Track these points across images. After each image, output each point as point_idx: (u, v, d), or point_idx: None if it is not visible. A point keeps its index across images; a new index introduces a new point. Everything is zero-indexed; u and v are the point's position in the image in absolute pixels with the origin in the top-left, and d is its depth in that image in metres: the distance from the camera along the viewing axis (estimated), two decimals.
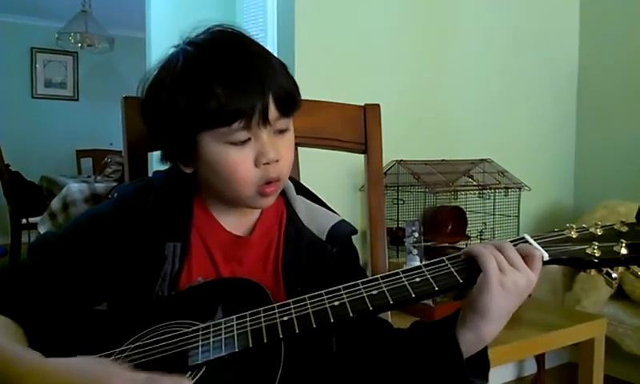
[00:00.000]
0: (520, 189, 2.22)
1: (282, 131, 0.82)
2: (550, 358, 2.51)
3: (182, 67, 0.79)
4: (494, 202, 2.21)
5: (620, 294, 2.30)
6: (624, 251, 0.74)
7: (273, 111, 0.78)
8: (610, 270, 0.75)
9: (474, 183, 2.15)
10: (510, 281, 0.72)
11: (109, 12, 5.00)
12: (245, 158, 0.79)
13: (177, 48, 0.83)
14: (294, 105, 0.83)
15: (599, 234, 0.76)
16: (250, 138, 0.78)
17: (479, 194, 2.17)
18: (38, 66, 6.10)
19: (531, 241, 0.76)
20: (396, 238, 2.08)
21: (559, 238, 0.77)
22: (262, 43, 0.85)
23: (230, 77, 0.76)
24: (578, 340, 1.86)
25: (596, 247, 0.74)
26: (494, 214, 2.22)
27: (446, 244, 2.09)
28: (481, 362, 0.78)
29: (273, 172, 0.80)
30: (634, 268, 0.75)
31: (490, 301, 0.72)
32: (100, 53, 5.25)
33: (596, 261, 0.74)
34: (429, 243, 1.96)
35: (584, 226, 0.78)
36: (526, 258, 0.74)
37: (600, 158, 2.78)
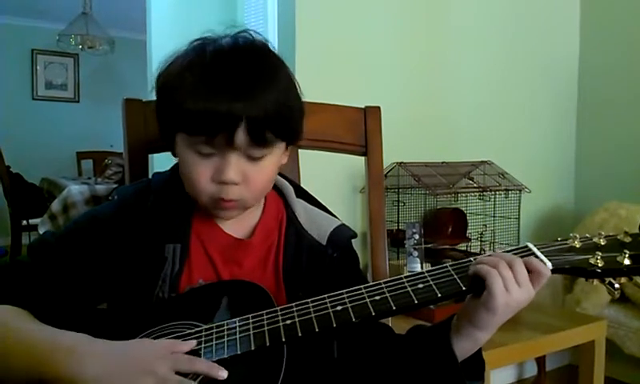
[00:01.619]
0: (520, 191, 2.22)
1: (255, 158, 0.79)
2: (551, 360, 2.51)
3: (177, 69, 0.80)
4: (494, 204, 2.21)
5: (621, 297, 2.27)
6: (627, 262, 0.74)
7: (241, 137, 0.76)
8: (612, 280, 0.74)
9: (475, 185, 2.15)
10: (513, 299, 0.72)
11: (109, 14, 5.00)
12: (204, 170, 0.79)
13: (198, 43, 0.82)
14: (278, 136, 0.79)
15: (602, 243, 0.76)
16: (214, 153, 0.78)
17: (480, 196, 2.17)
18: (38, 67, 6.10)
19: (536, 251, 0.76)
20: (396, 240, 2.07)
21: (562, 248, 0.77)
22: (264, 66, 0.81)
23: (203, 94, 0.74)
24: (579, 342, 1.86)
25: (599, 257, 0.74)
26: (494, 216, 2.22)
27: (447, 246, 2.08)
28: (476, 363, 0.79)
29: (227, 194, 0.79)
30: (637, 279, 0.75)
31: (491, 319, 0.73)
32: (101, 54, 5.25)
33: (599, 271, 0.74)
34: (429, 245, 1.95)
35: (587, 235, 0.78)
36: (533, 273, 0.73)
37: (601, 160, 2.78)
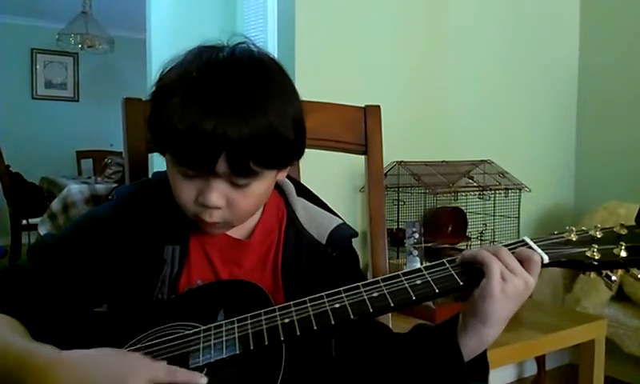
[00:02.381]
0: (520, 190, 2.22)
1: (240, 185, 0.76)
2: (551, 359, 2.51)
3: (167, 81, 0.77)
4: (494, 203, 2.21)
5: (620, 296, 2.30)
6: (623, 254, 0.74)
7: (223, 166, 0.72)
8: (609, 273, 0.75)
9: (475, 184, 2.15)
10: (510, 287, 0.72)
11: (109, 13, 5.00)
12: (188, 191, 0.78)
13: (191, 55, 0.78)
14: (266, 164, 0.75)
15: (599, 236, 0.76)
16: (197, 175, 0.76)
17: (479, 195, 2.17)
18: (38, 66, 6.10)
19: (531, 244, 0.77)
20: (396, 239, 2.08)
21: (559, 241, 0.77)
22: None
23: (189, 121, 0.70)
24: (579, 341, 1.86)
25: (596, 250, 0.75)
26: (494, 215, 2.22)
27: (447, 245, 2.08)
28: (480, 365, 0.78)
29: (209, 216, 0.77)
30: (634, 271, 0.75)
31: (491, 307, 0.72)
32: (100, 54, 5.25)
33: (596, 263, 0.74)
34: (429, 244, 1.96)
35: (584, 228, 0.78)
36: (525, 262, 0.74)
37: (600, 160, 2.78)
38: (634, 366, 2.30)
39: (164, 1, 3.06)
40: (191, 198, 0.78)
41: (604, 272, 0.75)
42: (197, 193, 0.77)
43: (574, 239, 0.77)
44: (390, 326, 0.94)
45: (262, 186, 0.79)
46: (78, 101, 6.35)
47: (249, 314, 0.73)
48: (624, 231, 0.76)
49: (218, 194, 0.76)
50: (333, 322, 0.71)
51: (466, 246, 2.20)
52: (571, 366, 2.59)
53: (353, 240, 0.94)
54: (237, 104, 0.71)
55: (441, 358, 0.76)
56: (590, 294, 2.27)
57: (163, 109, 0.74)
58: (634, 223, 0.77)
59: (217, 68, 0.75)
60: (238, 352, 0.70)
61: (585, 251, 0.75)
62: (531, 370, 2.55)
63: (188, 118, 0.71)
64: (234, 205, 0.78)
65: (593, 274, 0.76)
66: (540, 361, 2.42)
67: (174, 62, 0.78)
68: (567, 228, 0.78)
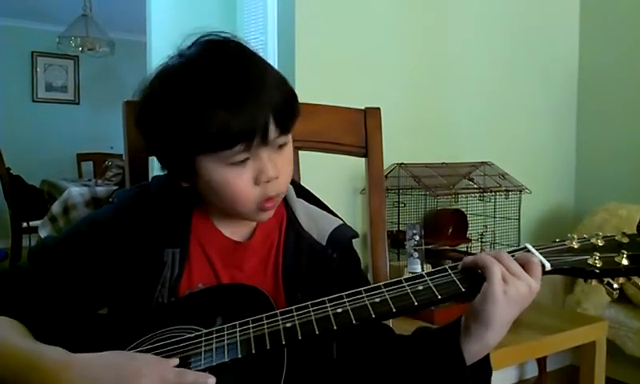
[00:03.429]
0: (521, 191, 2.22)
1: (280, 146, 0.81)
2: (552, 360, 2.51)
3: (180, 87, 0.77)
4: (494, 205, 2.21)
5: (621, 297, 2.30)
6: (625, 262, 0.74)
7: (273, 130, 0.77)
8: (611, 281, 0.75)
9: (475, 186, 2.15)
10: (512, 290, 0.72)
11: (109, 16, 5.00)
12: (244, 177, 0.78)
13: (173, 60, 0.81)
14: (293, 119, 0.81)
15: (600, 244, 0.77)
16: (248, 158, 0.78)
17: (480, 196, 2.17)
18: (38, 69, 6.11)
19: (533, 250, 0.77)
20: (397, 241, 2.07)
21: (561, 248, 0.77)
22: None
23: (229, 101, 0.74)
24: (580, 343, 1.86)
25: (597, 258, 0.75)
26: (494, 217, 2.22)
27: (447, 247, 2.08)
28: (483, 369, 0.78)
29: (272, 190, 0.80)
30: (635, 279, 0.75)
31: (494, 311, 0.72)
32: (101, 56, 5.26)
33: (597, 271, 0.75)
34: (430, 246, 1.96)
35: (585, 236, 0.78)
36: (525, 265, 0.74)
37: (601, 161, 2.78)
38: (635, 368, 2.29)
39: (164, 3, 3.07)
40: (250, 184, 0.79)
41: (605, 280, 0.75)
42: (255, 174, 0.78)
43: (575, 246, 0.77)
44: (391, 327, 0.94)
45: (290, 150, 0.84)
46: (78, 104, 6.36)
47: (250, 318, 0.73)
48: (625, 239, 0.77)
49: (273, 163, 0.79)
50: (335, 327, 0.71)
51: (467, 247, 2.20)
52: (572, 367, 2.58)
53: (353, 241, 0.94)
54: (260, 73, 0.79)
55: (443, 362, 0.76)
56: (590, 296, 2.26)
57: (196, 110, 0.74)
58: (635, 231, 0.78)
59: (228, 54, 0.80)
60: (239, 356, 0.70)
61: (587, 259, 0.75)
62: (532, 371, 2.55)
63: (230, 102, 0.74)
64: (282, 171, 0.81)
65: (595, 282, 0.76)
66: (541, 362, 2.42)
67: (160, 74, 0.80)
68: (569, 235, 0.79)
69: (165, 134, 0.79)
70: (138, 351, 0.73)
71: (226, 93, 0.75)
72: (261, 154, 0.78)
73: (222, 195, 0.80)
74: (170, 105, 0.77)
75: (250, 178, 0.79)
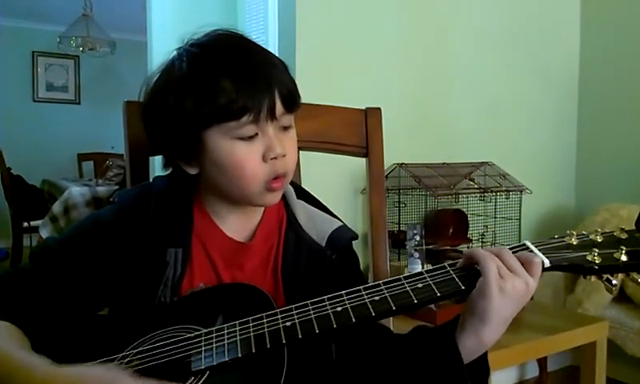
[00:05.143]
0: (521, 192, 2.22)
1: (286, 128, 0.83)
2: (552, 361, 2.51)
3: (188, 66, 0.80)
4: (495, 205, 2.21)
5: (622, 297, 2.30)
6: (624, 258, 0.74)
7: (279, 106, 0.80)
8: (610, 277, 0.75)
9: (476, 186, 2.15)
10: (509, 286, 0.72)
11: (110, 16, 5.01)
12: (253, 153, 0.80)
13: (179, 50, 0.83)
14: (297, 101, 0.84)
15: (599, 240, 0.77)
16: (257, 134, 0.79)
17: (481, 196, 2.17)
18: (39, 69, 6.12)
19: (532, 247, 0.77)
20: (397, 241, 2.08)
21: (560, 245, 0.77)
22: (263, 46, 0.86)
23: (237, 73, 0.78)
24: (580, 343, 1.86)
25: (596, 254, 0.75)
26: (495, 217, 2.22)
27: (448, 247, 2.08)
28: (480, 368, 0.78)
29: (280, 167, 0.81)
30: (634, 275, 0.75)
31: (489, 305, 0.72)
32: (101, 56, 5.27)
33: (596, 268, 0.74)
34: (430, 246, 1.96)
35: (584, 232, 0.78)
36: (526, 264, 0.74)
37: (601, 161, 2.77)
38: (635, 368, 2.29)
39: (165, 3, 3.07)
40: (257, 160, 0.80)
41: (605, 276, 0.75)
42: (262, 150, 0.80)
43: (574, 243, 0.77)
44: (392, 328, 0.94)
45: (295, 136, 0.86)
46: (79, 103, 6.36)
47: (250, 317, 0.73)
48: (624, 235, 0.77)
49: (280, 141, 0.81)
50: (334, 326, 0.71)
51: (467, 248, 2.20)
52: (573, 367, 2.58)
53: (354, 242, 0.94)
54: (266, 54, 0.84)
55: (439, 357, 0.76)
56: (591, 296, 2.26)
57: (209, 80, 0.78)
58: (634, 227, 0.77)
59: (234, 39, 0.84)
60: (239, 355, 0.70)
61: (585, 255, 0.75)
62: (533, 371, 2.55)
63: (241, 71, 0.78)
64: (288, 152, 0.82)
65: (593, 278, 0.76)
66: (542, 363, 2.42)
67: (165, 65, 0.84)
68: (568, 232, 0.79)
69: (174, 114, 0.80)
70: (138, 351, 0.73)
71: (234, 67, 0.78)
72: (268, 131, 0.80)
73: (229, 173, 0.81)
74: (179, 80, 0.79)
75: (258, 154, 0.80)
